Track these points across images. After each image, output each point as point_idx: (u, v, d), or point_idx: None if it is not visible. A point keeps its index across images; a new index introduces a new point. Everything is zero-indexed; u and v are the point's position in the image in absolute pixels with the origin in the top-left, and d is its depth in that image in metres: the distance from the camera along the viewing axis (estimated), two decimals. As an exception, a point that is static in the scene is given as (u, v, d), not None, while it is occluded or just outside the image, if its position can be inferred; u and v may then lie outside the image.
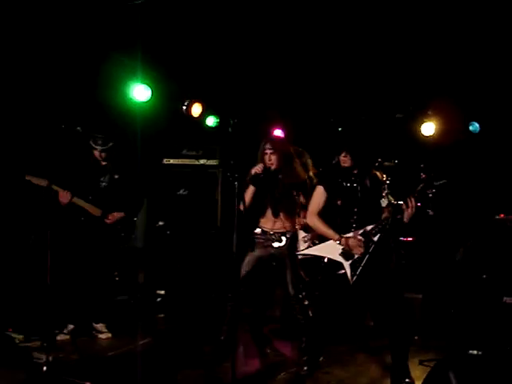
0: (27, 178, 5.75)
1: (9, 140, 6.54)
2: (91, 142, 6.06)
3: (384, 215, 4.71)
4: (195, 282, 7.17)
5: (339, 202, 4.80)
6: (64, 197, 5.84)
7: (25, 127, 6.70)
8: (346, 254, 4.69)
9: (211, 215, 7.64)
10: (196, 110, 8.17)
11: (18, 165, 6.39)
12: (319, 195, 4.86)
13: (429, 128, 8.08)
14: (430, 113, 8.02)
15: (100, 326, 6.13)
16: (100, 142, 6.03)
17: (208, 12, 6.49)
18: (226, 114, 8.05)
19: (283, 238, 5.36)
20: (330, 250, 4.73)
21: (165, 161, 7.93)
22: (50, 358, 4.56)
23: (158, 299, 7.52)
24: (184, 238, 7.30)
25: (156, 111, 7.45)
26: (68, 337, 5.96)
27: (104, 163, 6.16)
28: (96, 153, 6.07)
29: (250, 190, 5.21)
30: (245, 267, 5.29)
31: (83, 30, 6.56)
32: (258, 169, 5.17)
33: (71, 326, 6.02)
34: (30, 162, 6.41)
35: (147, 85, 7.16)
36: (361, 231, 4.70)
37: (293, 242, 5.43)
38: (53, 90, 6.75)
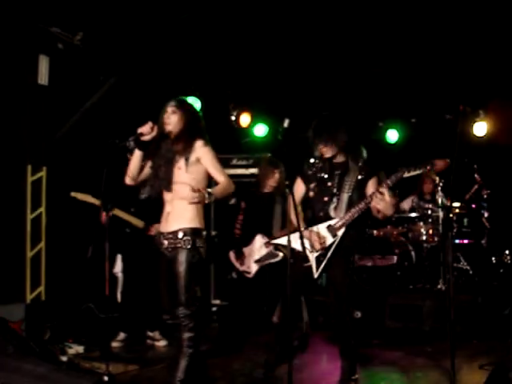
0: (72, 194, 5.80)
1: (56, 156, 6.64)
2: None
3: (352, 209, 4.55)
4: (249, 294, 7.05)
5: (311, 194, 4.72)
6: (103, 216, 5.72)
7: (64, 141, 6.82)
8: (312, 246, 4.58)
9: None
10: (244, 119, 8.26)
11: (64, 181, 6.51)
12: (296, 185, 4.80)
13: (481, 128, 7.96)
14: (481, 112, 7.90)
15: (155, 334, 6.20)
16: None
17: (250, 22, 6.55)
18: (274, 122, 8.10)
19: (180, 235, 4.23)
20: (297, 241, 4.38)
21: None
22: (110, 368, 4.61)
23: (213, 309, 7.59)
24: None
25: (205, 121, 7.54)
26: (121, 345, 6.08)
27: None
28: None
29: (136, 154, 4.37)
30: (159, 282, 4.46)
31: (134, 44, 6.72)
32: (144, 128, 4.26)
33: (123, 335, 6.13)
34: (74, 178, 6.53)
35: (196, 96, 7.30)
36: (326, 224, 4.60)
37: (194, 238, 4.23)
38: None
